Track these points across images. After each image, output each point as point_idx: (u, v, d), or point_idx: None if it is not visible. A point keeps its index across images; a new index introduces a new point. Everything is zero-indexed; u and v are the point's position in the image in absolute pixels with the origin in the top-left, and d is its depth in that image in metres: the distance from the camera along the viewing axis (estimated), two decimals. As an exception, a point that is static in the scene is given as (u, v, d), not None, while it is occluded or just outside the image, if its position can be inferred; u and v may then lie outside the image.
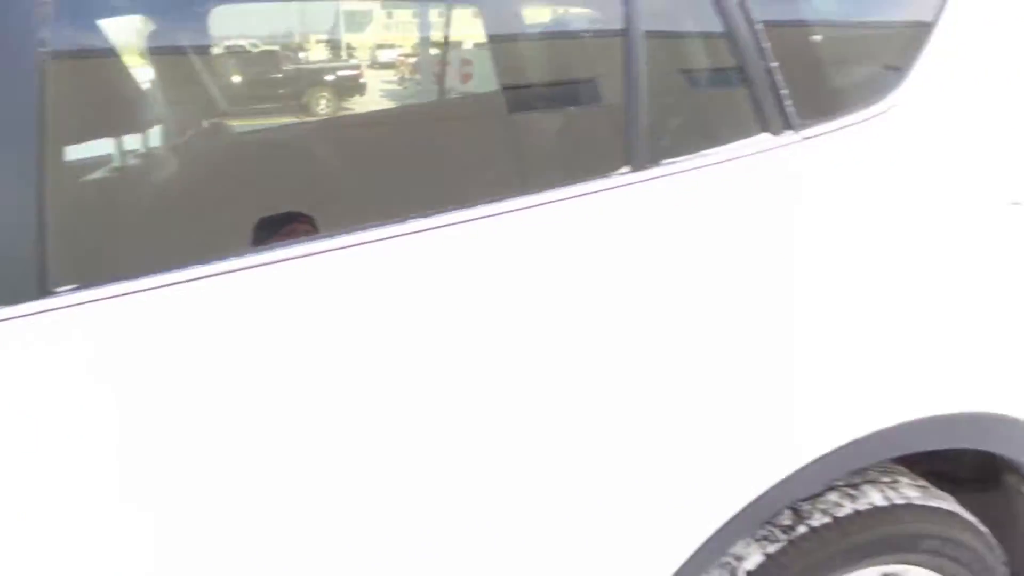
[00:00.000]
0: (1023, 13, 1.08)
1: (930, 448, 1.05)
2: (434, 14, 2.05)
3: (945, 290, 0.99)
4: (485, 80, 1.48)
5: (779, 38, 0.95)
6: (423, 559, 0.81)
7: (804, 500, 1.10)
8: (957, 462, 1.22)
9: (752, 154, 0.93)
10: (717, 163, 0.92)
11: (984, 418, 1.05)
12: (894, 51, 1.03)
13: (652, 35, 0.91)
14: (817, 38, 1.05)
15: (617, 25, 0.91)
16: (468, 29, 1.85)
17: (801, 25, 1.03)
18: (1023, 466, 1.13)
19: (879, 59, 1.05)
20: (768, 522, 1.08)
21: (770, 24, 0.94)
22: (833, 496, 1.10)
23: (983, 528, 1.18)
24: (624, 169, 0.89)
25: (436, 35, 2.11)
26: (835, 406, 0.95)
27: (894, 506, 1.09)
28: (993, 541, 1.19)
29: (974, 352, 1.02)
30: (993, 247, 1.01)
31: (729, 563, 1.06)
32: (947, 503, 1.14)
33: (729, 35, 0.93)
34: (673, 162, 0.91)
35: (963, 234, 0.99)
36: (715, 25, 0.93)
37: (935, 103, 1.01)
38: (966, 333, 1.01)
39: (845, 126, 0.98)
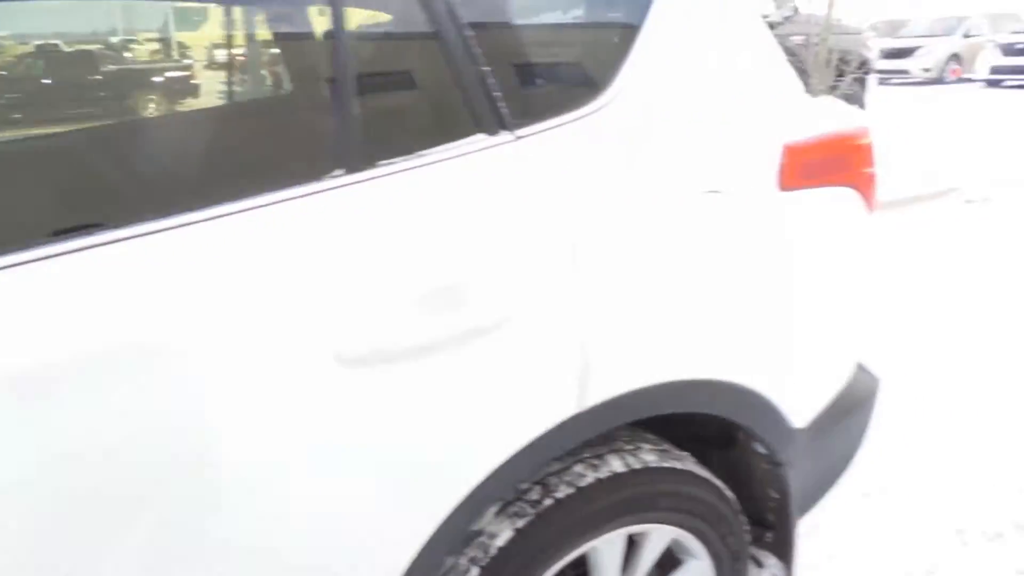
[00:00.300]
0: (721, 17, 1.21)
1: (656, 414, 1.14)
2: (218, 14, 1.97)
3: (655, 269, 1.08)
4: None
5: (491, 41, 1.00)
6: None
7: (552, 474, 1.18)
8: (708, 425, 1.35)
9: (467, 153, 0.98)
10: (432, 163, 0.96)
11: (703, 384, 1.16)
12: (604, 53, 1.11)
13: (362, 36, 0.93)
14: (531, 41, 1.12)
15: (326, 26, 0.92)
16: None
17: (514, 29, 1.09)
18: (746, 426, 1.27)
19: (590, 61, 1.13)
20: (519, 498, 1.15)
21: (481, 27, 0.99)
22: (578, 468, 1.18)
23: (717, 482, 1.31)
24: (338, 171, 0.91)
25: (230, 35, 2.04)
26: (556, 386, 1.02)
27: (633, 471, 1.19)
28: (728, 493, 1.33)
29: (690, 325, 1.12)
30: (697, 230, 1.11)
31: (483, 542, 1.12)
32: (683, 463, 1.26)
33: (439, 39, 0.96)
34: (389, 163, 0.94)
35: (668, 219, 1.08)
36: (426, 29, 0.97)
37: (641, 101, 1.10)
38: (680, 309, 1.11)
39: (559, 125, 1.04)
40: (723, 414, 1.22)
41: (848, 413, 1.42)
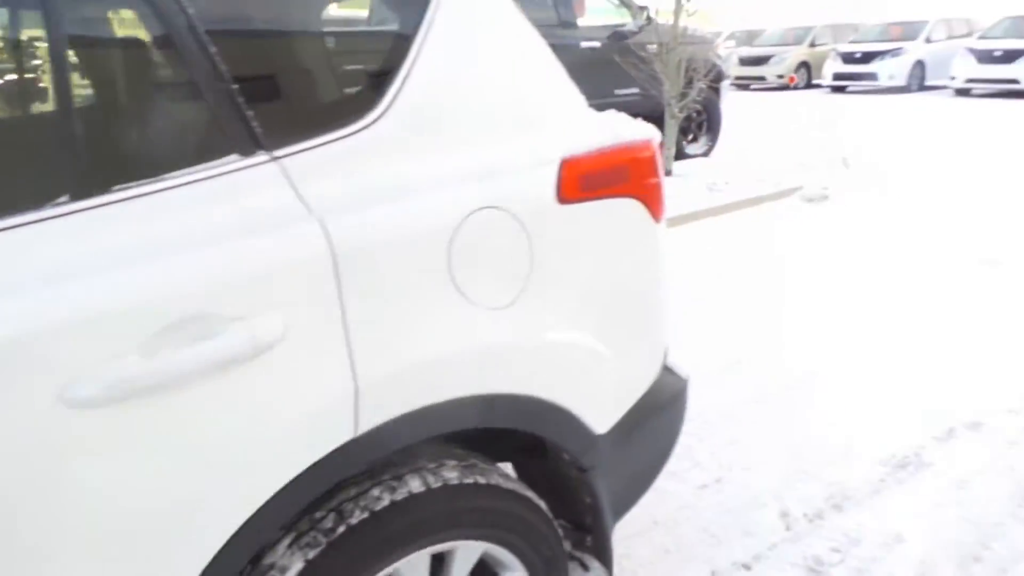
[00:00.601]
0: (498, 32, 1.21)
1: (439, 433, 1.13)
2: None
3: (427, 287, 1.07)
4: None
5: (241, 56, 0.96)
6: None
7: (348, 500, 1.14)
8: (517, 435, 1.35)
9: (216, 176, 0.93)
10: (178, 187, 0.91)
11: (489, 400, 1.16)
12: (372, 67, 1.09)
13: (90, 47, 0.86)
14: (290, 54, 1.07)
15: (52, 41, 0.85)
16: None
17: (269, 42, 1.04)
18: (543, 436, 1.28)
19: (357, 75, 1.10)
20: (313, 527, 1.11)
21: (227, 41, 0.94)
22: (375, 491, 1.15)
23: (527, 492, 1.32)
24: (62, 198, 0.84)
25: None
26: (326, 412, 0.99)
27: (431, 490, 1.17)
28: (539, 502, 1.34)
29: (468, 341, 1.11)
30: (472, 245, 1.10)
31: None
32: (488, 477, 1.26)
33: (179, 54, 0.91)
34: (125, 188, 0.88)
35: (441, 235, 1.07)
36: (165, 44, 0.92)
37: (412, 118, 1.08)
38: (455, 325, 1.10)
39: (322, 143, 1.01)
40: (517, 427, 1.23)
41: (653, 415, 1.47)
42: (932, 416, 2.60)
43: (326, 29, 1.09)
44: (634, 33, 6.53)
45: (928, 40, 15.28)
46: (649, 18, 6.63)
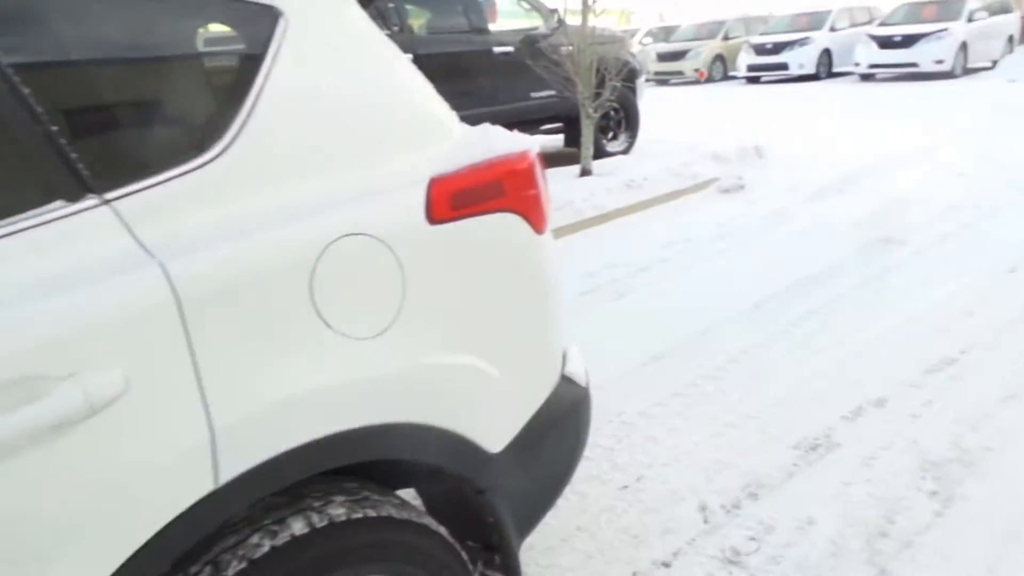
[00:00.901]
0: (355, 51, 1.18)
1: (314, 472, 1.09)
2: None
3: (289, 323, 1.03)
4: None
5: (59, 91, 0.90)
6: None
7: (226, 550, 1.09)
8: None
9: (37, 226, 0.87)
10: (-7, 240, 0.84)
11: (366, 433, 1.12)
12: (216, 96, 1.04)
13: None
14: (117, 86, 1.01)
15: None
16: None
17: (91, 73, 0.97)
18: (432, 463, 1.25)
19: (199, 106, 1.05)
20: (187, 585, 1.05)
21: (40, 75, 0.88)
22: (255, 538, 1.10)
23: (422, 520, 1.28)
24: None
25: None
26: (179, 465, 0.94)
27: (316, 530, 1.13)
28: (436, 528, 1.31)
29: (333, 376, 1.07)
30: (334, 273, 1.06)
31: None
32: (378, 510, 1.22)
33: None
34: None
35: (299, 267, 1.03)
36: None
37: (262, 147, 1.04)
38: (319, 361, 1.06)
39: (161, 182, 0.96)
40: (402, 456, 1.19)
41: (552, 427, 1.45)
42: (840, 396, 2.68)
43: (161, 55, 1.03)
44: (546, 36, 6.56)
45: (832, 28, 15.89)
46: (560, 20, 6.67)
